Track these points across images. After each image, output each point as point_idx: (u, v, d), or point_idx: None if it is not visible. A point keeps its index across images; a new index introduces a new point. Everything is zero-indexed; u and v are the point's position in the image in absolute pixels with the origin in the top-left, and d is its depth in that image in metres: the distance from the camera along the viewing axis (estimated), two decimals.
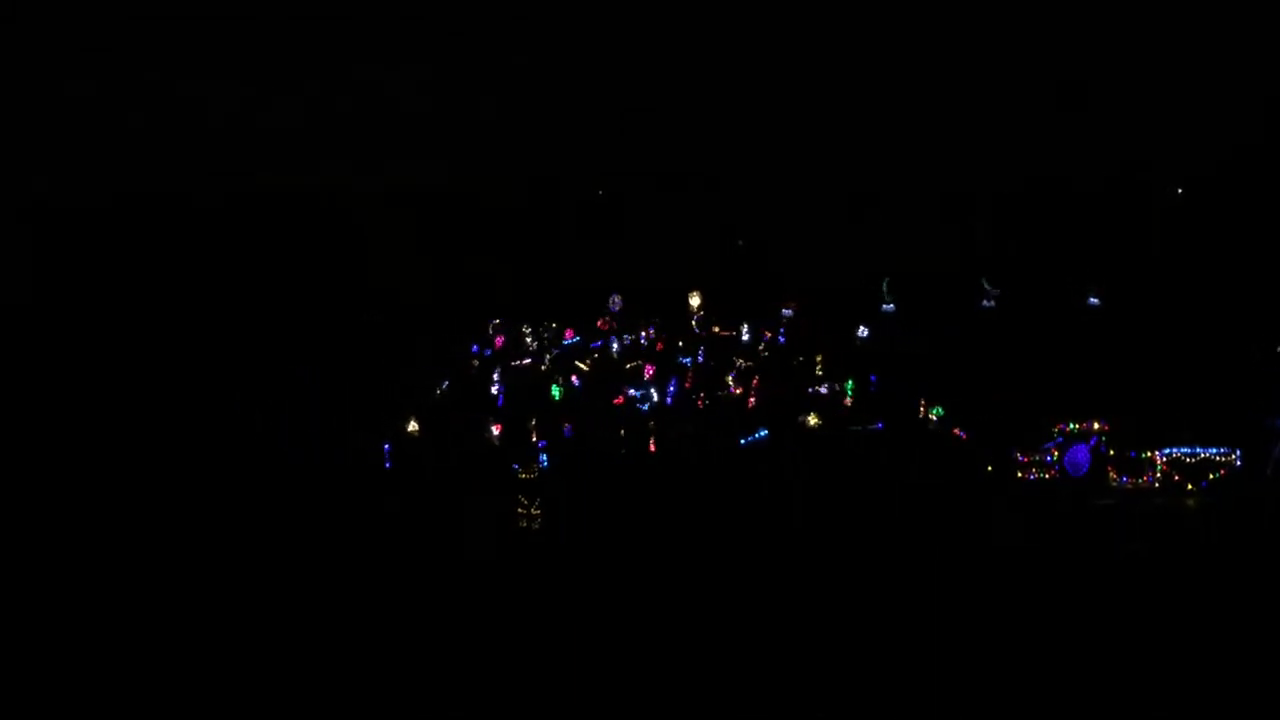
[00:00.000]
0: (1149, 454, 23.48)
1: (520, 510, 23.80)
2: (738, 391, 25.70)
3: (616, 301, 27.80)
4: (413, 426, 25.30)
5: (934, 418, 24.42)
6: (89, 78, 31.43)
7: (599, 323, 27.62)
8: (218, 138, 31.91)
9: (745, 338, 26.80)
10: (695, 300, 27.63)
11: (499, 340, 27.31)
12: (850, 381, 25.14)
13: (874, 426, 24.63)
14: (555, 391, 26.20)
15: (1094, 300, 26.87)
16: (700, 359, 26.26)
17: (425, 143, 32.21)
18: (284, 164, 31.64)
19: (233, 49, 31.76)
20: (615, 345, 26.91)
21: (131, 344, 27.94)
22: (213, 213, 31.16)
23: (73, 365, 27.37)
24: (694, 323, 27.19)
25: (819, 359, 25.91)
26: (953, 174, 30.58)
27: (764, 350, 26.71)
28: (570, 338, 27.49)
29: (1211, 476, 23.20)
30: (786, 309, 27.27)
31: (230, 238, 30.75)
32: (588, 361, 26.85)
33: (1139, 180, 29.01)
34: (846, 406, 25.17)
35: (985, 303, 26.86)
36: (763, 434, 24.54)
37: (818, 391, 25.51)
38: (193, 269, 29.94)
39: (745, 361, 26.23)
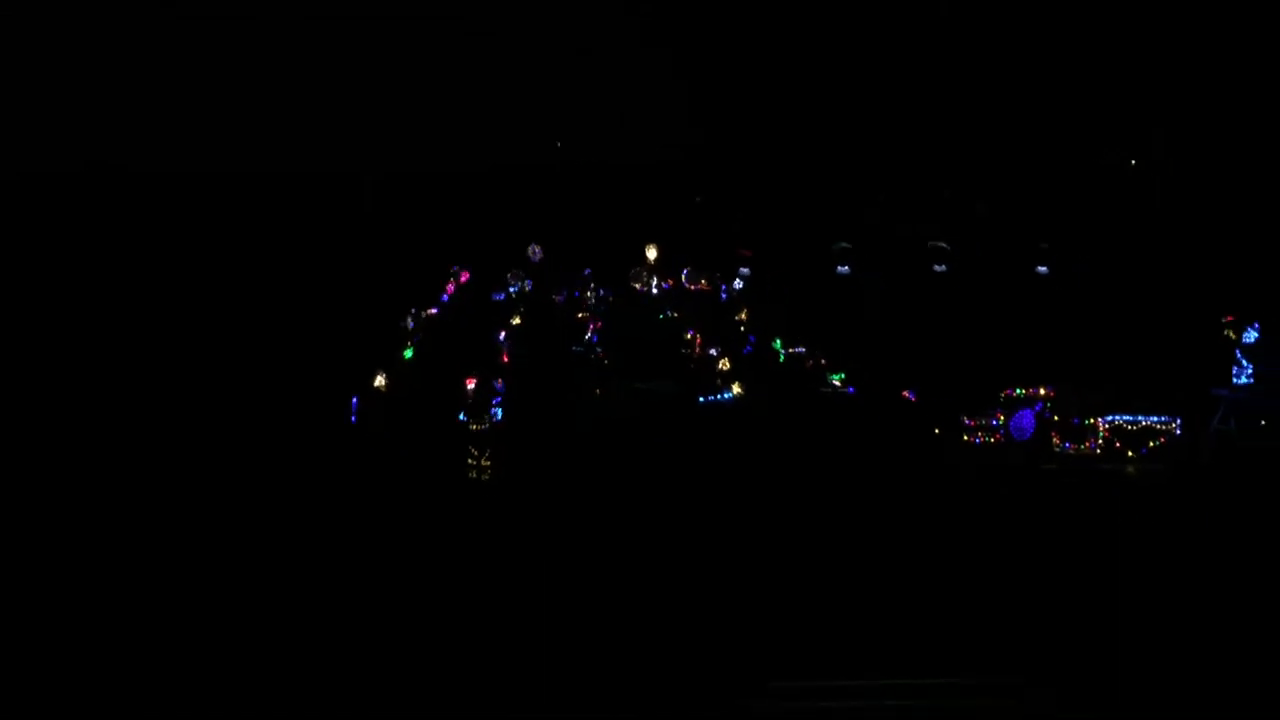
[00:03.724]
0: (1092, 421, 23.81)
1: (470, 461, 23.92)
2: (700, 351, 25.93)
3: (536, 252, 27.89)
4: (379, 381, 25.30)
5: (836, 384, 24.74)
6: (94, 67, 31.93)
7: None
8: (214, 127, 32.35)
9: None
10: (652, 254, 27.72)
11: (464, 275, 27.39)
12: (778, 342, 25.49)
13: (845, 390, 24.97)
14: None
15: (1042, 269, 27.26)
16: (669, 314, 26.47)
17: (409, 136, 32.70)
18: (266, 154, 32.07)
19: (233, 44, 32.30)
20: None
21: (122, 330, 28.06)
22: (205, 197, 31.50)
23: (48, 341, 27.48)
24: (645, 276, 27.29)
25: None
26: (909, 146, 31.02)
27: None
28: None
29: (1151, 444, 23.59)
30: (743, 253, 27.45)
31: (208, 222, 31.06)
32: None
33: (1091, 155, 29.37)
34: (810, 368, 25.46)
35: (937, 268, 27.22)
36: (727, 395, 24.69)
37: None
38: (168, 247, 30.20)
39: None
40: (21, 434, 24.06)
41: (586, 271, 27.76)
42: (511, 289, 27.56)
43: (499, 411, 24.51)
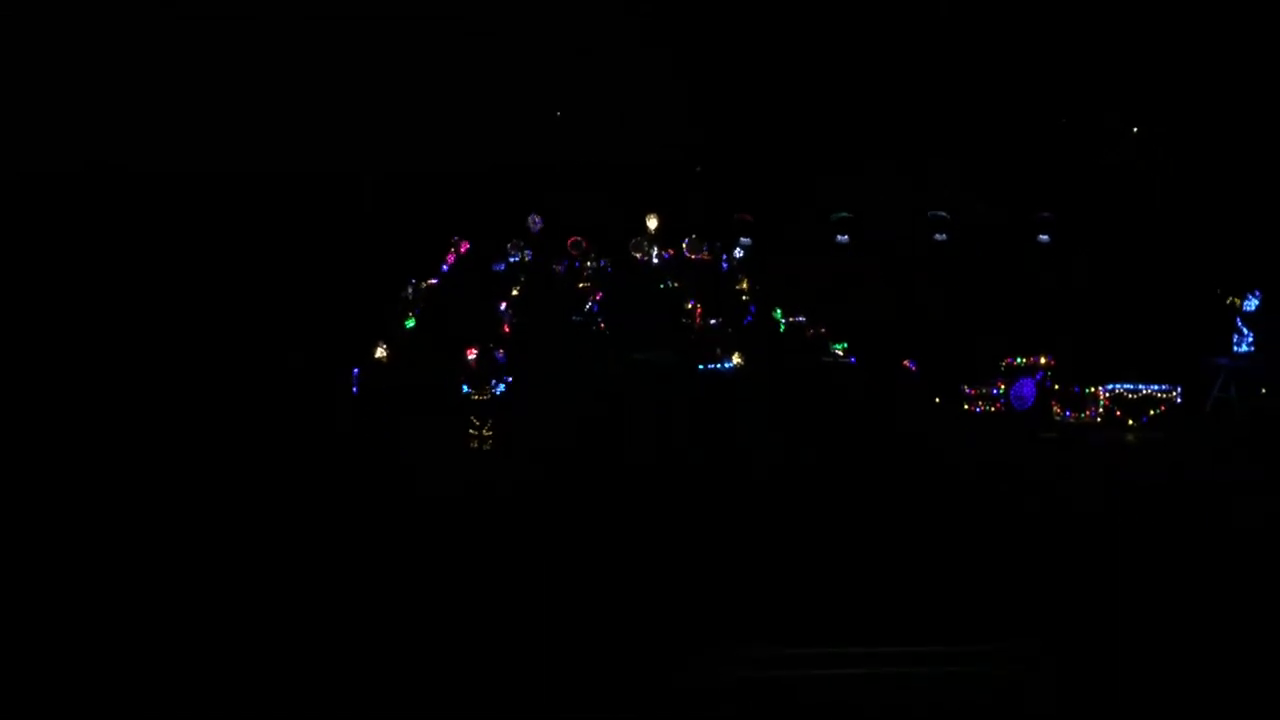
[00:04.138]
0: (1092, 389, 23.83)
1: (471, 431, 23.86)
2: (701, 320, 25.97)
3: (536, 222, 27.97)
4: (380, 353, 25.29)
5: (838, 353, 24.80)
6: (94, 66, 32.20)
7: (569, 242, 27.87)
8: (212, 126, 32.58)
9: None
10: (653, 223, 27.82)
11: (464, 245, 27.46)
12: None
13: (848, 360, 25.01)
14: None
15: (1044, 238, 27.39)
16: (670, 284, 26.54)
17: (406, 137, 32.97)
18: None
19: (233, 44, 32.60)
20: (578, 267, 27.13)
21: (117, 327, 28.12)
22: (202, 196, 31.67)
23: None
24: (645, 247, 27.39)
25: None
26: (909, 146, 31.27)
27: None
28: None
29: (1152, 413, 23.60)
30: (743, 218, 27.55)
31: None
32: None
33: (1090, 121, 29.54)
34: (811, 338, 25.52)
35: (937, 238, 27.33)
36: (729, 365, 24.69)
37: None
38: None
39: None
40: (22, 433, 24.06)
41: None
42: (511, 259, 27.69)
43: (502, 384, 24.49)
